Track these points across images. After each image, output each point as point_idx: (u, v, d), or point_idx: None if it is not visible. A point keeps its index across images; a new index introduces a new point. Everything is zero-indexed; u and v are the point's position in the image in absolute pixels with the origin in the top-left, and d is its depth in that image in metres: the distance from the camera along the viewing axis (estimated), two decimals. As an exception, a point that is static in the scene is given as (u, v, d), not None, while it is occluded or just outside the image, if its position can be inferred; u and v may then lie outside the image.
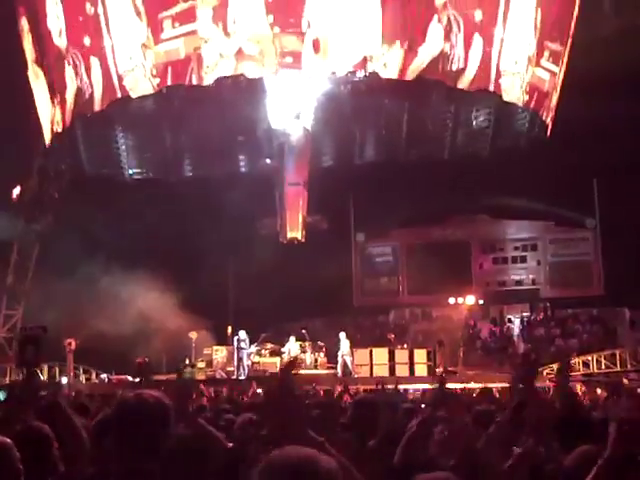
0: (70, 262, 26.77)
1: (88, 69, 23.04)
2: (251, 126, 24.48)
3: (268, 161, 25.82)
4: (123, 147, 26.60)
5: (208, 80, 21.75)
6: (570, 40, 25.02)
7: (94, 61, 22.84)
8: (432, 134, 26.35)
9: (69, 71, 23.57)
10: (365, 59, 21.77)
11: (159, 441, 3.15)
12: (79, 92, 23.56)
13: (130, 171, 27.62)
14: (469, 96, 23.81)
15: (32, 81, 25.72)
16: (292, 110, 23.16)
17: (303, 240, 25.08)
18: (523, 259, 37.22)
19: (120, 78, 22.21)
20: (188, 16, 21.17)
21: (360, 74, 22.04)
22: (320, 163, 26.77)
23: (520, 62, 24.07)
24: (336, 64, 21.87)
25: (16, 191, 29.93)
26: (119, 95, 22.67)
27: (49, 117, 25.33)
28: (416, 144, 26.76)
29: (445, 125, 25.90)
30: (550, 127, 25.72)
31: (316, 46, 21.20)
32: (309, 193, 24.70)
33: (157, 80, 21.76)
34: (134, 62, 21.84)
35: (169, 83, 21.89)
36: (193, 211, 27.25)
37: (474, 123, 26.12)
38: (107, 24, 22.01)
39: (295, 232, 24.82)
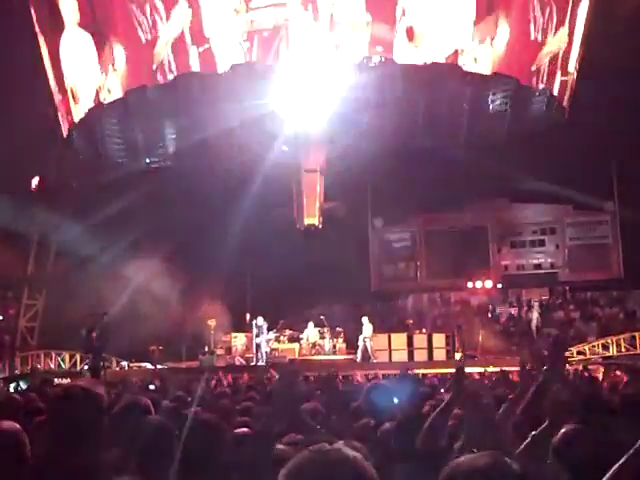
0: (89, 252, 26.97)
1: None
2: (267, 113, 24.48)
3: (285, 148, 25.85)
4: (140, 136, 26.68)
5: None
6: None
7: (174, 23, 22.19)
8: (449, 118, 26.27)
9: (136, 33, 22.75)
10: (457, 52, 21.89)
11: (93, 432, 3.13)
12: (144, 57, 22.85)
13: (147, 160, 27.73)
14: (485, 80, 23.72)
15: (68, 47, 24.59)
16: (309, 97, 23.16)
17: (320, 226, 25.15)
18: (542, 243, 37.04)
19: (206, 40, 21.82)
20: None
21: (375, 60, 22.01)
22: (337, 150, 26.76)
23: (572, 64, 24.70)
24: (428, 54, 21.91)
25: (35, 181, 30.16)
26: (195, 64, 22.16)
27: (94, 85, 24.19)
28: (433, 129, 26.68)
29: (462, 109, 25.80)
30: (568, 109, 25.58)
31: (410, 34, 21.20)
32: (326, 179, 24.74)
33: (247, 45, 21.55)
34: (224, 26, 21.59)
35: (255, 51, 21.60)
36: (210, 199, 27.30)
37: (491, 107, 26.00)
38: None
39: (312, 219, 24.92)
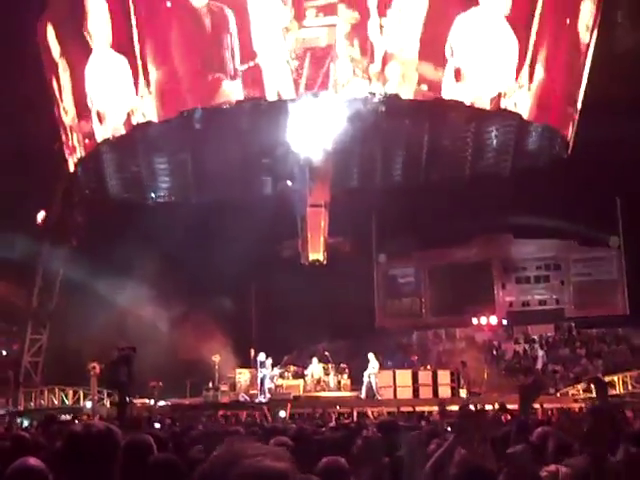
0: (94, 286, 26.95)
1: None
2: (272, 148, 24.59)
3: (289, 183, 25.92)
4: (146, 171, 26.79)
5: (340, 95, 21.76)
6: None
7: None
8: (453, 154, 26.39)
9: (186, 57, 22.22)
10: (500, 95, 22.06)
11: (108, 472, 3.11)
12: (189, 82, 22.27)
13: (153, 195, 27.82)
14: (489, 115, 23.85)
15: (97, 69, 23.81)
16: (313, 132, 23.25)
17: (325, 262, 25.11)
18: (546, 279, 36.95)
19: (253, 55, 21.42)
20: (331, 10, 21.05)
21: (380, 96, 22.10)
22: (341, 185, 26.82)
23: (579, 101, 24.83)
24: (474, 95, 22.05)
25: (41, 215, 30.25)
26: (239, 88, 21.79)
27: (126, 108, 23.45)
28: (437, 164, 26.79)
29: (466, 145, 25.91)
30: (571, 145, 25.64)
31: (457, 75, 21.34)
32: (330, 214, 24.76)
33: (295, 63, 21.27)
34: (273, 43, 21.28)
35: (306, 68, 21.24)
36: (215, 234, 27.35)
37: (495, 142, 26.10)
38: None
39: (317, 254, 24.88)
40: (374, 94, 21.93)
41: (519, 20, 21.93)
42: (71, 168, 26.56)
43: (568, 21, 23.35)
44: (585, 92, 25.05)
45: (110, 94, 23.90)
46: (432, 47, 21.25)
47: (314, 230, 24.81)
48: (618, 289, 35.18)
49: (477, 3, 21.32)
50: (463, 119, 24.59)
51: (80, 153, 25.73)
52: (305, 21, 21.19)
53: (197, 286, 28.88)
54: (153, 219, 27.47)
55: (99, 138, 24.68)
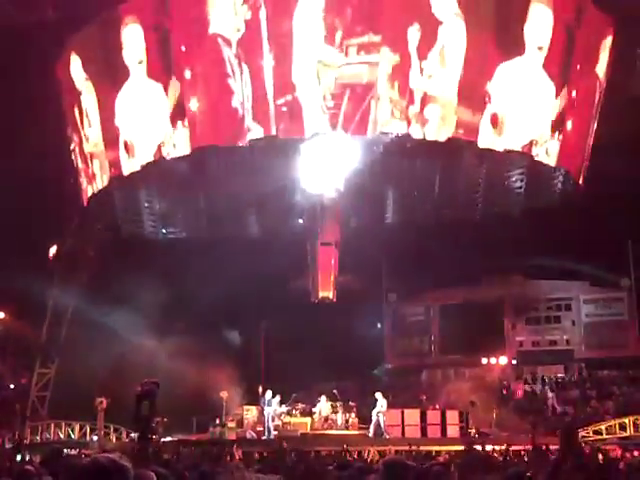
0: (103, 321, 26.97)
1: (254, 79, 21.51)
2: (284, 186, 24.69)
3: (300, 221, 25.99)
4: (157, 207, 26.88)
5: (377, 131, 21.56)
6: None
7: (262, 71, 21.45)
8: (464, 194, 26.41)
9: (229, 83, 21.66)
10: (532, 142, 22.32)
11: None
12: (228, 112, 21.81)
13: (164, 230, 27.89)
14: (501, 156, 23.90)
15: (130, 97, 23.31)
16: (325, 171, 23.34)
17: (334, 300, 25.07)
18: (557, 319, 36.84)
19: (292, 88, 21.19)
20: (374, 48, 21.04)
21: (392, 135, 22.16)
22: (352, 223, 26.87)
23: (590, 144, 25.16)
24: (508, 142, 22.27)
25: (52, 250, 30.37)
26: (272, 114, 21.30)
27: (158, 139, 23.04)
28: (448, 204, 26.83)
29: (477, 185, 25.94)
30: (582, 187, 25.67)
31: (494, 121, 21.50)
32: (341, 253, 24.77)
33: (333, 100, 21.11)
34: (309, 79, 21.10)
35: (344, 105, 21.05)
36: (225, 270, 27.37)
37: (506, 183, 26.14)
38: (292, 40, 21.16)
39: (327, 292, 24.83)
40: (386, 134, 22.02)
41: (554, 69, 22.18)
42: (85, 202, 26.60)
43: (590, 70, 23.62)
44: (597, 136, 25.13)
45: (143, 124, 23.55)
46: (471, 92, 21.40)
47: (324, 268, 24.80)
48: (629, 330, 35.01)
49: (521, 53, 21.56)
50: (475, 160, 24.67)
51: (101, 181, 25.25)
52: (348, 58, 21.08)
53: (207, 322, 28.88)
54: (163, 254, 27.58)
55: (125, 167, 24.25)
